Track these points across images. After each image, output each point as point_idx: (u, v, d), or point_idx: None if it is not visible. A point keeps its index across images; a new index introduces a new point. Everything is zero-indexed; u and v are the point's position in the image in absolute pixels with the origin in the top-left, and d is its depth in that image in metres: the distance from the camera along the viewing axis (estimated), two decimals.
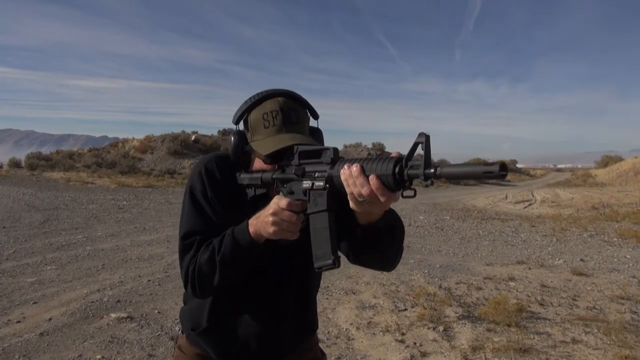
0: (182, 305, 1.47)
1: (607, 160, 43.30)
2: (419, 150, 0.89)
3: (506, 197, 20.17)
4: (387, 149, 33.52)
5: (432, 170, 0.86)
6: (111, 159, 22.57)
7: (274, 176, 1.20)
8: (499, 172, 0.78)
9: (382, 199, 0.95)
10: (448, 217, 12.49)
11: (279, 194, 1.18)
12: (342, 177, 1.00)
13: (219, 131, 29.00)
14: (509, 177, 39.69)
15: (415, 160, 0.90)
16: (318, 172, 1.10)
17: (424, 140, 0.87)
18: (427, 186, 0.88)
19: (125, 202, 12.70)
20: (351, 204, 1.02)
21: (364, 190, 0.96)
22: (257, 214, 1.15)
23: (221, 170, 1.30)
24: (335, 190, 1.06)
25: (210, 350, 1.36)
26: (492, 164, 0.79)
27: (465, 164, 0.84)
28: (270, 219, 1.10)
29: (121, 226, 9.04)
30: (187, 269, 1.23)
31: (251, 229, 1.15)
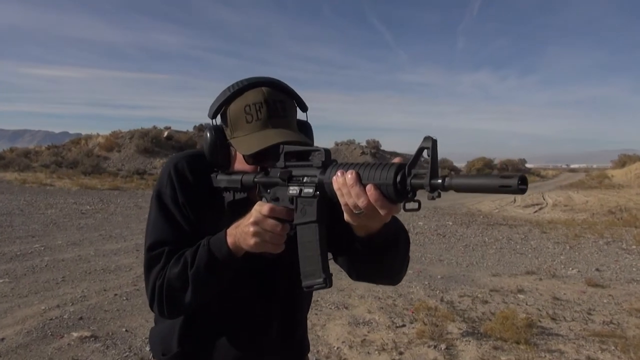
0: (153, 324, 1.44)
1: (625, 160, 43.83)
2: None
3: (514, 200, 20.34)
4: (383, 148, 33.65)
5: (440, 181, 0.83)
6: (73, 158, 22.34)
7: (256, 179, 1.17)
8: (517, 187, 0.75)
9: (381, 212, 0.92)
10: (450, 223, 12.57)
11: (261, 200, 1.16)
12: (335, 186, 0.96)
13: (195, 127, 28.90)
14: None
15: (419, 167, 0.87)
16: (307, 176, 1.06)
17: (431, 145, 0.84)
18: (433, 198, 0.85)
19: (88, 207, 12.58)
20: (346, 216, 0.99)
21: (360, 202, 0.92)
22: (237, 223, 1.11)
23: (194, 171, 1.27)
24: (327, 199, 1.03)
25: None
26: (511, 176, 0.76)
27: (478, 175, 0.81)
28: (252, 228, 1.06)
29: (84, 233, 8.95)
30: (154, 285, 1.19)
31: (229, 240, 1.12)
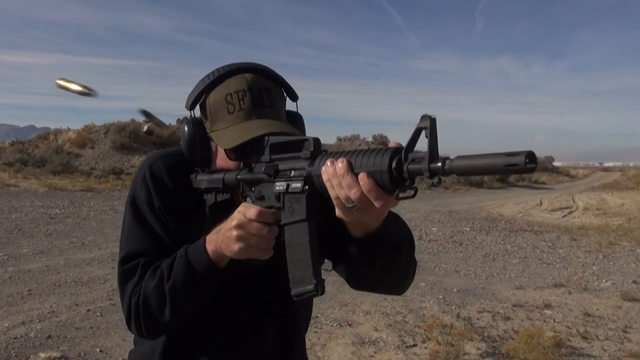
0: (131, 344, 1.45)
1: None
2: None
3: (540, 203, 20.35)
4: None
5: (440, 164, 0.83)
6: (40, 155, 22.35)
7: (238, 177, 1.18)
8: (525, 165, 0.75)
9: (376, 204, 0.91)
10: (468, 229, 12.57)
11: (245, 200, 1.16)
12: (324, 177, 0.96)
13: (178, 120, 28.91)
14: (544, 178, 40.05)
15: (417, 152, 0.87)
16: (294, 170, 1.07)
17: (429, 124, 0.84)
18: (433, 185, 0.85)
19: (58, 210, 12.57)
20: (337, 212, 0.99)
21: (353, 193, 0.92)
22: (218, 227, 1.12)
23: (171, 172, 1.28)
24: (317, 194, 1.03)
25: None
26: (517, 153, 0.76)
27: (481, 154, 0.81)
28: (235, 233, 1.06)
29: (53, 241, 8.95)
30: (129, 302, 1.20)
31: (209, 247, 1.12)
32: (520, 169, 0.75)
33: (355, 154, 0.95)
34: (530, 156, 0.75)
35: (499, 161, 0.77)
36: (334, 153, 1.00)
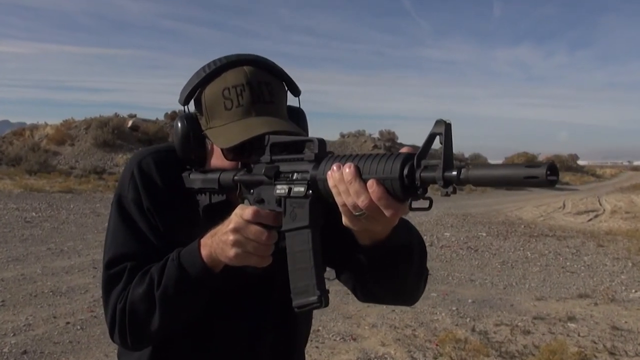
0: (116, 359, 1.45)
1: None
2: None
3: (564, 205, 20.34)
4: (400, 140, 33.68)
5: (455, 173, 0.84)
6: (15, 153, 22.37)
7: (236, 178, 1.19)
8: (546, 177, 0.76)
9: (386, 213, 0.92)
10: (484, 234, 12.58)
11: (243, 202, 1.17)
12: (330, 183, 0.97)
13: (166, 114, 28.95)
14: (567, 178, 39.99)
15: (432, 158, 0.88)
16: (297, 172, 1.08)
17: (444, 130, 0.85)
18: (447, 194, 0.86)
19: (34, 214, 12.58)
20: (344, 220, 1.00)
21: (361, 201, 0.93)
22: (213, 231, 1.12)
23: (161, 169, 1.29)
24: (322, 200, 1.05)
25: None
26: (537, 165, 0.77)
27: (499, 165, 0.82)
28: (231, 237, 1.07)
29: (29, 247, 8.96)
30: (114, 308, 1.21)
31: (204, 252, 1.13)
32: (540, 181, 0.77)
33: (363, 159, 0.96)
34: (552, 168, 0.77)
35: (518, 172, 0.79)
36: (341, 157, 1.00)
